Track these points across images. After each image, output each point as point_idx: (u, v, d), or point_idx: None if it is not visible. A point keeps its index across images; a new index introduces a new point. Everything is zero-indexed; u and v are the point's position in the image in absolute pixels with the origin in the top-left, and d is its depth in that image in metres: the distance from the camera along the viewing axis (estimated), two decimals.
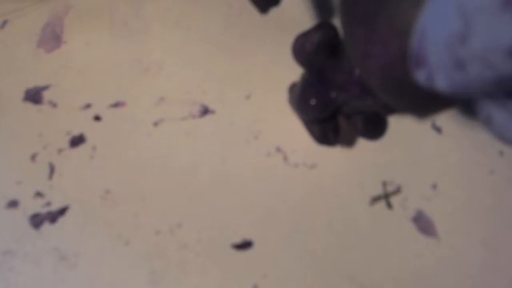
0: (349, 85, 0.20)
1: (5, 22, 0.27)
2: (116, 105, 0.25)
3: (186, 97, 0.25)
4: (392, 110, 0.21)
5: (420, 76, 0.12)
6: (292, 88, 0.22)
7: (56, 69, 0.26)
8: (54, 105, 0.25)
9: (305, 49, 0.21)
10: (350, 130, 0.23)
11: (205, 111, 0.25)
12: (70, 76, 0.26)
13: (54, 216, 0.22)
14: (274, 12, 0.27)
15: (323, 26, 0.21)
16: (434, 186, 0.23)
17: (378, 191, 0.23)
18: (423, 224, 0.22)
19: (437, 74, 0.11)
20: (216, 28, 0.27)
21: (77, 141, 0.24)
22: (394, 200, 0.23)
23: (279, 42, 0.27)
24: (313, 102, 0.21)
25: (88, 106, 0.25)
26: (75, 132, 0.24)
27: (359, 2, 0.16)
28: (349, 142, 0.24)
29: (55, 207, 0.23)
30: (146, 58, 0.26)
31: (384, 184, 0.23)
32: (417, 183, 0.23)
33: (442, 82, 0.11)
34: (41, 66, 0.26)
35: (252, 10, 0.28)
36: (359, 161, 0.23)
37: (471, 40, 0.10)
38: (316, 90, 0.21)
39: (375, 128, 0.23)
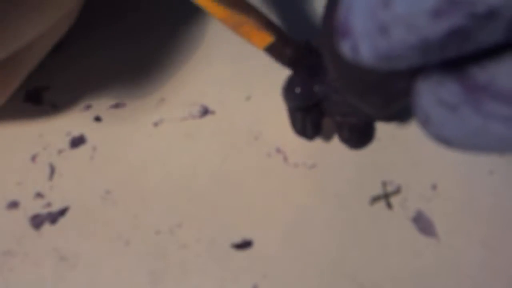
0: (330, 80, 0.21)
1: None
2: (116, 106, 0.25)
3: (186, 98, 0.25)
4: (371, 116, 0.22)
5: (345, 47, 0.11)
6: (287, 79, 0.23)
7: (56, 69, 0.26)
8: (54, 105, 0.25)
9: (288, 55, 0.21)
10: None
11: (205, 111, 0.25)
12: (70, 76, 0.26)
13: (55, 217, 0.22)
14: (274, 12, 0.27)
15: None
16: (434, 186, 0.23)
17: (378, 191, 0.23)
18: (423, 224, 0.22)
19: (361, 42, 0.11)
20: (216, 29, 0.27)
21: (77, 141, 0.24)
22: (394, 200, 0.23)
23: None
24: (297, 90, 0.22)
25: (88, 107, 0.25)
26: (75, 133, 0.24)
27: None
28: None
29: (55, 207, 0.23)
30: (146, 58, 0.26)
31: (384, 184, 0.23)
32: (417, 183, 0.23)
33: (366, 51, 0.11)
34: (41, 66, 0.26)
35: None
36: (359, 161, 0.23)
37: (394, 3, 0.10)
38: (301, 80, 0.22)
39: (359, 136, 0.23)
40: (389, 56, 0.10)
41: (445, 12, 0.09)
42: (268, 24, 0.21)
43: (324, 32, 0.17)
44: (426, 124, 0.12)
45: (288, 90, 0.22)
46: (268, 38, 0.21)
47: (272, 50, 0.21)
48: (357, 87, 0.17)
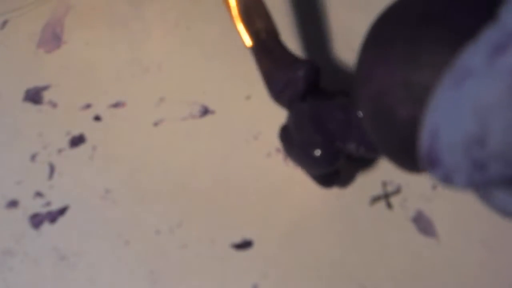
0: (355, 132, 0.19)
1: (5, 22, 0.27)
2: (116, 105, 0.25)
3: (186, 98, 0.25)
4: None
5: (436, 175, 0.11)
6: (285, 133, 0.21)
7: (56, 69, 0.26)
8: (54, 105, 0.25)
9: (288, 92, 0.20)
10: None
11: (205, 111, 0.25)
12: (70, 76, 0.26)
13: (54, 216, 0.22)
14: (274, 12, 0.27)
15: (306, 63, 0.20)
16: (434, 186, 0.23)
17: (378, 191, 0.23)
18: (423, 224, 0.22)
19: (455, 175, 0.11)
20: (216, 28, 0.27)
21: (77, 141, 0.24)
22: (394, 200, 0.23)
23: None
24: (317, 153, 0.19)
25: (88, 106, 0.25)
26: (75, 132, 0.24)
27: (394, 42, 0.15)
28: None
29: (55, 207, 0.23)
30: (146, 58, 0.26)
31: (384, 184, 0.23)
32: (417, 183, 0.23)
33: (461, 181, 0.11)
34: (41, 66, 0.26)
35: None
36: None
37: (489, 141, 0.09)
38: (316, 137, 0.19)
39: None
40: (487, 185, 0.10)
41: None
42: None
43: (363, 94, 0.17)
44: (504, 213, 0.12)
45: (304, 155, 0.19)
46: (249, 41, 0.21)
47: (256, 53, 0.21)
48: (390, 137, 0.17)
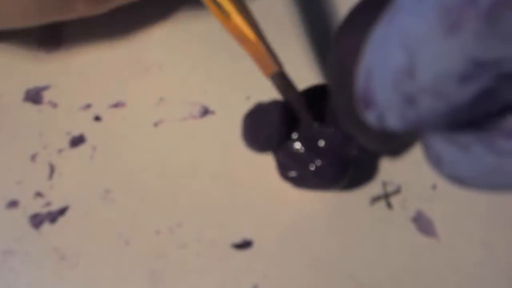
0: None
1: None
2: (116, 105, 0.25)
3: (186, 98, 0.25)
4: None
5: (370, 117, 0.11)
6: (285, 172, 0.21)
7: (56, 69, 0.26)
8: (54, 105, 0.25)
9: (274, 140, 0.20)
10: None
11: (205, 111, 0.25)
12: (70, 76, 0.26)
13: (54, 216, 0.22)
14: (274, 13, 0.27)
15: (275, 105, 0.20)
16: (434, 186, 0.23)
17: (378, 191, 0.23)
18: (423, 224, 0.22)
19: (388, 114, 0.10)
20: (216, 29, 0.27)
21: (77, 141, 0.24)
22: (394, 200, 0.23)
23: (279, 43, 0.27)
24: (331, 174, 0.20)
25: (88, 106, 0.25)
26: (75, 132, 0.24)
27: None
28: None
29: (55, 207, 0.23)
30: (146, 58, 0.26)
31: (384, 184, 0.23)
32: (417, 183, 0.23)
33: (393, 121, 0.10)
34: (41, 66, 0.26)
35: (252, 11, 0.28)
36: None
37: (418, 73, 0.09)
38: (321, 161, 0.20)
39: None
40: (418, 124, 0.10)
41: (473, 76, 0.09)
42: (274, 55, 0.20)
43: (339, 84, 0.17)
44: (438, 164, 0.12)
45: (320, 181, 0.20)
46: (273, 67, 0.20)
47: (278, 80, 0.20)
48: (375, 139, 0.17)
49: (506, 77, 0.09)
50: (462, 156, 0.11)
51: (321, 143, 0.20)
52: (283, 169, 0.21)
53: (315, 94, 0.21)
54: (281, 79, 0.20)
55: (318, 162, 0.20)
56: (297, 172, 0.20)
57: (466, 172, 0.11)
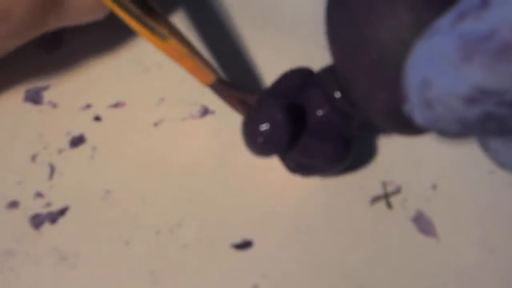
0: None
1: None
2: (116, 105, 0.25)
3: (186, 98, 0.25)
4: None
5: (405, 110, 0.14)
6: (295, 166, 0.22)
7: (56, 69, 0.26)
8: (54, 105, 0.25)
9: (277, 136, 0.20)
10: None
11: (205, 111, 0.25)
12: (70, 76, 0.26)
13: (55, 217, 0.22)
14: (273, 12, 0.27)
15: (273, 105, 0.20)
16: (434, 186, 0.23)
17: (378, 191, 0.23)
18: (423, 224, 0.22)
19: (414, 110, 0.13)
20: (216, 29, 0.27)
21: (77, 141, 0.24)
22: (394, 200, 0.23)
23: (279, 43, 0.27)
24: (339, 155, 0.20)
25: (88, 106, 0.25)
26: (75, 132, 0.24)
27: (365, 47, 0.16)
28: None
29: (55, 207, 0.23)
30: (146, 58, 0.26)
31: (384, 184, 0.23)
32: (417, 183, 0.23)
33: (417, 117, 0.13)
34: (41, 66, 0.26)
35: (252, 11, 0.28)
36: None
37: (434, 85, 0.11)
38: (326, 148, 0.20)
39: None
40: (436, 124, 0.12)
41: (477, 100, 0.11)
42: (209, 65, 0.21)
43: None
44: (485, 149, 0.14)
45: (330, 167, 0.21)
46: (211, 76, 0.22)
47: (218, 87, 0.22)
48: (412, 129, 0.18)
49: (509, 105, 0.11)
50: (504, 146, 0.13)
51: (321, 127, 0.20)
52: (290, 163, 0.21)
53: (294, 84, 0.21)
54: (221, 86, 0.22)
55: (324, 147, 0.20)
56: (305, 162, 0.21)
57: (507, 160, 0.13)
